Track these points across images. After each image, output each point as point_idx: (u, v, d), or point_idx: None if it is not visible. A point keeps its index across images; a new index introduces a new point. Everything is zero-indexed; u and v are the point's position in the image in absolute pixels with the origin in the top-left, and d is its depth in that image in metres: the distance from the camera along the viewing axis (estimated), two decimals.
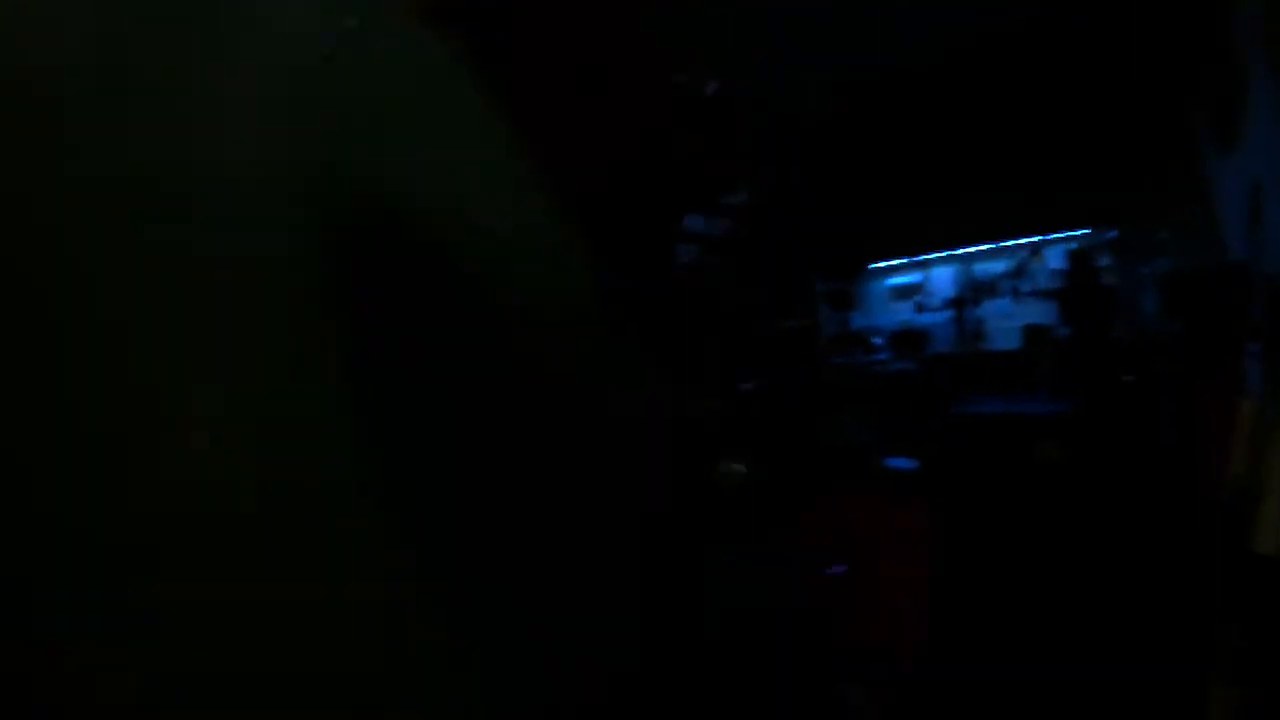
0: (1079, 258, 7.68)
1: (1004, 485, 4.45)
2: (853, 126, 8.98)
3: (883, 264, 9.68)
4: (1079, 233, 8.09)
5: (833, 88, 8.52)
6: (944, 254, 9.16)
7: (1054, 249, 8.34)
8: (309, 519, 1.68)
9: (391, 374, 1.95)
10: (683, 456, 3.43)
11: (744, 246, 9.73)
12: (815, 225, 9.61)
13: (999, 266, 8.84)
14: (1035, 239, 8.46)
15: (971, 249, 8.96)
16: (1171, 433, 4.18)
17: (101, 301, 1.41)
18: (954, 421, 4.99)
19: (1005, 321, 8.63)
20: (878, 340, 9.36)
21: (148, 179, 1.53)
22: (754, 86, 8.67)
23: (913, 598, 4.22)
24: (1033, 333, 7.81)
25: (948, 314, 8.97)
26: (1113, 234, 7.67)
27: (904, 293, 9.58)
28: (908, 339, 9.05)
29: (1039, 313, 8.27)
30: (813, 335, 9.47)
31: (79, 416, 1.36)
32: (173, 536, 1.45)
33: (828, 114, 8.96)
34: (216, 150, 1.66)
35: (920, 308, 9.32)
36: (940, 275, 9.28)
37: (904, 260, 9.51)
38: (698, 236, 9.04)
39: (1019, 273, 8.60)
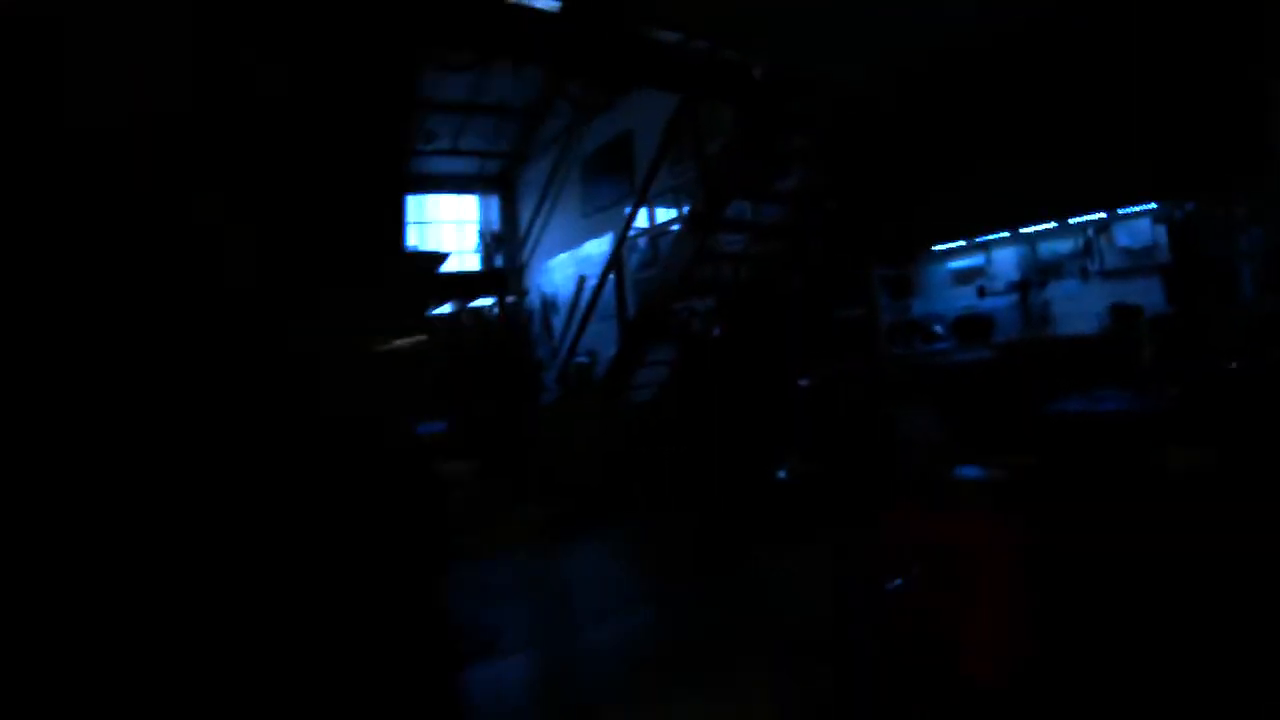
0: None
1: (1129, 498, 3.87)
2: (910, 105, 8.54)
3: (942, 246, 9.18)
4: (1148, 207, 7.57)
5: (890, 66, 8.10)
6: (1007, 234, 8.63)
7: (1123, 225, 7.84)
8: None
9: None
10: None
11: (796, 232, 9.29)
12: (872, 208, 9.13)
13: (1065, 246, 8.35)
14: (1102, 215, 7.95)
15: (1036, 228, 8.46)
16: None
17: None
18: (1050, 420, 4.47)
19: (1074, 304, 8.17)
20: (939, 328, 8.85)
21: None
22: (809, 68, 8.27)
23: (1006, 626, 3.73)
24: (1122, 313, 7.27)
25: (1012, 298, 8.46)
26: (1190, 206, 7.12)
27: (965, 276, 9.09)
28: (972, 325, 8.54)
29: (1111, 293, 7.80)
30: (871, 324, 8.97)
31: None
32: None
33: (884, 94, 8.53)
34: None
35: (983, 292, 8.81)
36: (1003, 257, 8.79)
37: (965, 242, 9.00)
38: (747, 224, 8.62)
39: (1086, 251, 8.09)
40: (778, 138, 9.24)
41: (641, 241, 13.42)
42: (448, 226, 18.68)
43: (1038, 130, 7.83)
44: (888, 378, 7.93)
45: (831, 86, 8.63)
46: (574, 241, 16.13)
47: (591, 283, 11.37)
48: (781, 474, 7.16)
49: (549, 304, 17.00)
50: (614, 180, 14.43)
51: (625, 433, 9.38)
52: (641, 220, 13.16)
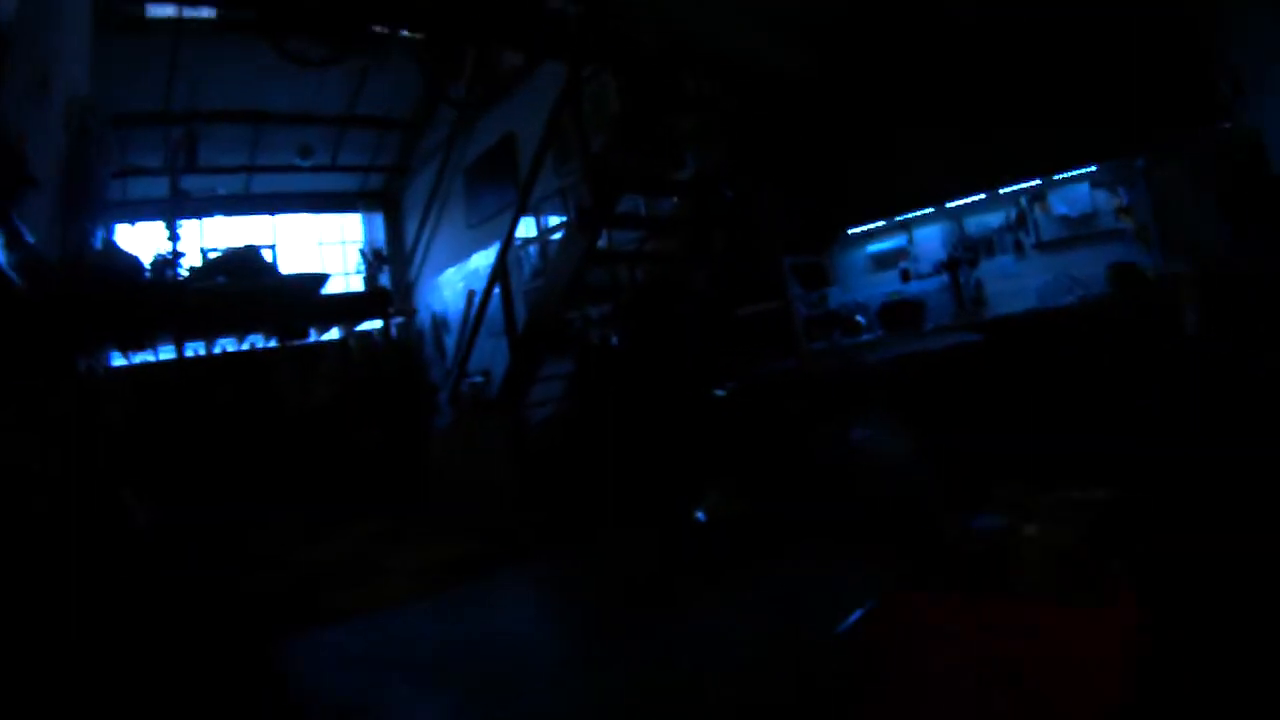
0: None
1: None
2: (816, 75, 7.71)
3: (859, 229, 8.34)
4: (1087, 170, 6.83)
5: (792, 33, 7.31)
6: (930, 210, 7.84)
7: (1059, 193, 7.15)
8: None
9: None
10: None
11: (695, 224, 8.35)
12: (778, 192, 8.21)
13: (995, 219, 7.63)
14: (1035, 181, 7.25)
15: (962, 201, 7.70)
16: None
17: None
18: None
19: (1011, 282, 7.45)
20: (861, 318, 7.98)
21: None
22: (706, 38, 7.41)
23: None
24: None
25: (941, 279, 7.64)
26: (1139, 163, 6.35)
27: (886, 260, 8.30)
28: (900, 312, 7.69)
29: (1050, 266, 7.20)
30: (787, 319, 7.99)
31: None
32: None
33: (787, 64, 7.69)
34: None
35: (907, 275, 7.99)
36: (927, 236, 8.00)
37: (884, 222, 8.17)
38: (640, 219, 7.72)
39: (1020, 224, 7.32)
40: (670, 120, 8.30)
41: (532, 250, 12.56)
42: (330, 248, 17.66)
43: (961, 94, 7.04)
44: (826, 380, 6.89)
45: (729, 59, 7.78)
46: (461, 255, 15.19)
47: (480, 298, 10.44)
48: (700, 515, 5.91)
49: (440, 323, 16.05)
50: (499, 187, 13.49)
51: (522, 458, 8.42)
52: (531, 229, 12.31)
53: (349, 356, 12.49)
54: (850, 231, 8.35)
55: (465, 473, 8.70)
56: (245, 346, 12.44)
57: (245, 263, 11.15)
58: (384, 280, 16.54)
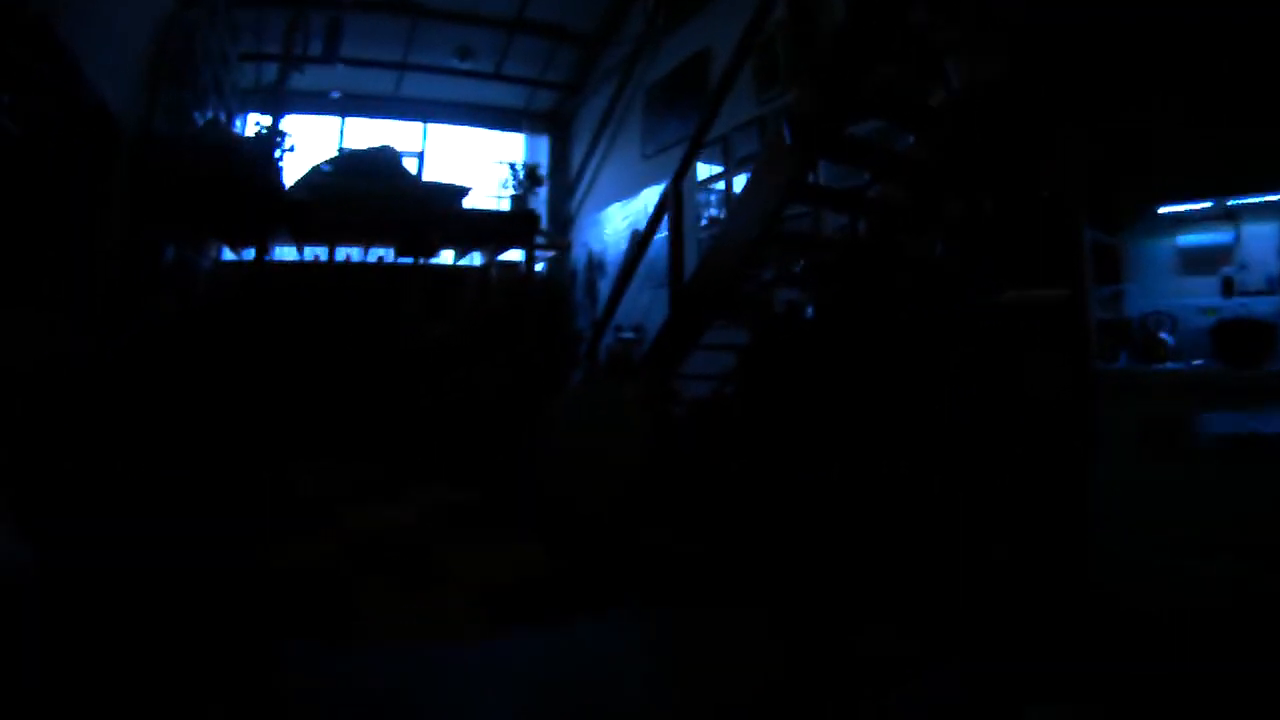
0: None
1: None
2: None
3: (1173, 208, 5.87)
4: None
5: None
6: (1267, 198, 5.45)
7: None
8: None
9: None
10: None
11: (946, 169, 6.03)
12: (1071, 138, 5.75)
13: None
14: None
15: None
16: None
17: None
18: None
19: None
20: (1167, 336, 5.46)
21: None
22: None
23: None
24: None
25: (1273, 300, 5.19)
26: None
27: (1201, 260, 5.78)
28: (1244, 337, 5.16)
29: None
30: (1080, 318, 5.42)
31: None
32: None
33: None
34: None
35: (1230, 286, 5.53)
36: (1259, 235, 5.51)
37: (1207, 203, 5.70)
38: (874, 151, 5.45)
39: None
40: (921, 24, 5.96)
41: (714, 196, 10.62)
42: (488, 167, 16.10)
43: None
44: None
45: None
46: (631, 189, 13.33)
47: None
48: None
49: (596, 264, 14.21)
50: (683, 114, 11.59)
51: (660, 448, 6.43)
52: (715, 169, 10.53)
53: (488, 287, 11.10)
54: (1161, 211, 5.89)
55: (585, 447, 6.77)
56: (371, 258, 11.39)
57: (375, 164, 9.82)
58: (539, 206, 14.84)
